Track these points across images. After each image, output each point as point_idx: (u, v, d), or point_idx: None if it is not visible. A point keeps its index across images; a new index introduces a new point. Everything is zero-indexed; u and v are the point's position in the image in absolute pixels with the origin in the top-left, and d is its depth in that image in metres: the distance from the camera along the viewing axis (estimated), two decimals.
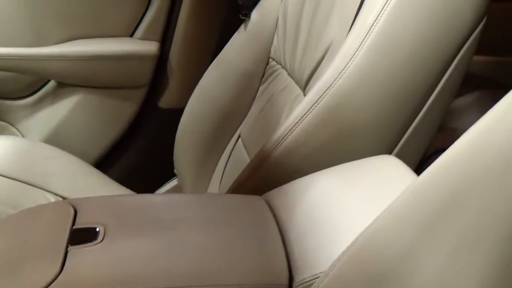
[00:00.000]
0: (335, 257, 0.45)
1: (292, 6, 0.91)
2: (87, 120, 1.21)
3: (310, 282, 0.51)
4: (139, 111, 1.22)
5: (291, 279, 0.52)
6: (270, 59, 0.97)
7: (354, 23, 0.69)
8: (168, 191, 1.19)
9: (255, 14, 0.99)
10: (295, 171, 0.68)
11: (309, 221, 0.56)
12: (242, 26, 1.01)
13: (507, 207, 0.34)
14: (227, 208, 0.60)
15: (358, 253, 0.43)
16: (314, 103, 0.68)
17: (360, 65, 0.66)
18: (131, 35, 1.17)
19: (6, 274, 0.52)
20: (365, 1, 0.69)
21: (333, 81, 0.67)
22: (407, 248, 0.40)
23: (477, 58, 1.11)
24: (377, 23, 0.65)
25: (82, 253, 0.52)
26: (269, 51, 0.97)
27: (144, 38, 1.17)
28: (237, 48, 1.01)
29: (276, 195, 0.64)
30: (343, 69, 0.67)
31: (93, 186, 1.03)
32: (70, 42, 1.15)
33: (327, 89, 0.67)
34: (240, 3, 1.02)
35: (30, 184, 0.98)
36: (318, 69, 0.78)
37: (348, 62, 0.66)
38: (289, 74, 0.89)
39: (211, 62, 1.06)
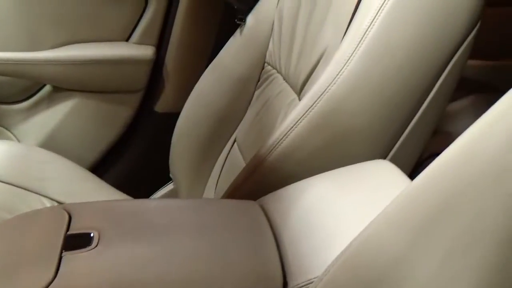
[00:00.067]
0: (329, 262, 0.46)
1: (287, 11, 0.91)
2: (83, 125, 1.21)
3: (304, 287, 0.51)
4: (135, 116, 1.22)
5: (285, 284, 0.52)
6: (266, 64, 0.97)
7: (349, 28, 0.69)
8: (164, 196, 1.18)
9: (250, 18, 1.00)
10: (290, 175, 0.69)
11: (304, 226, 0.56)
12: (238, 30, 1.02)
13: (501, 212, 0.34)
14: (222, 213, 0.60)
15: (352, 258, 0.43)
16: (309, 108, 0.68)
17: (354, 70, 0.66)
18: (127, 40, 1.17)
19: (0, 280, 0.52)
20: (359, 7, 0.69)
21: (328, 87, 0.67)
22: (401, 253, 0.40)
23: (471, 62, 1.12)
24: (371, 28, 0.66)
25: (76, 259, 0.52)
26: (265, 56, 0.97)
27: (140, 42, 1.17)
28: (233, 52, 1.02)
29: (271, 199, 0.64)
30: (337, 75, 0.67)
31: (88, 190, 1.03)
32: (65, 47, 1.15)
33: (321, 94, 0.68)
34: (235, 7, 1.02)
35: (26, 189, 0.97)
36: (313, 74, 0.78)
37: (343, 68, 0.67)
38: (284, 79, 0.90)
39: (206, 67, 1.06)
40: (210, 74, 1.05)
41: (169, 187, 1.19)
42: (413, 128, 0.71)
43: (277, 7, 0.95)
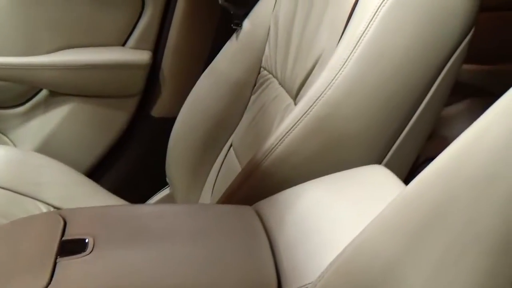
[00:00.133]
0: (323, 268, 0.46)
1: (283, 15, 0.91)
2: (79, 129, 1.21)
3: None
4: (131, 120, 1.22)
5: None
6: (262, 68, 0.97)
7: (344, 33, 0.70)
8: (160, 200, 1.18)
9: (246, 23, 1.00)
10: (286, 180, 0.69)
11: (299, 231, 0.56)
12: (234, 35, 1.02)
13: (494, 217, 0.34)
14: (217, 218, 0.60)
15: (345, 264, 0.43)
16: (304, 113, 0.69)
17: (349, 75, 0.67)
18: (123, 44, 1.17)
19: None
20: (354, 12, 0.69)
21: (323, 91, 0.68)
22: (394, 258, 0.40)
23: (467, 67, 1.12)
24: (366, 34, 0.66)
25: (71, 265, 0.52)
26: (261, 60, 0.97)
27: (136, 47, 1.17)
28: (229, 57, 1.02)
29: (266, 205, 0.64)
30: (332, 80, 0.67)
31: (85, 195, 1.03)
32: (62, 51, 1.15)
33: (317, 99, 0.68)
34: (232, 12, 1.02)
35: (22, 194, 0.97)
36: (309, 78, 0.78)
37: (338, 73, 0.67)
38: (280, 83, 0.90)
39: (203, 71, 1.06)
40: (206, 78, 1.05)
41: (165, 191, 1.19)
42: (408, 133, 0.71)
43: (273, 11, 0.95)
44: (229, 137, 1.02)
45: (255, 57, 0.98)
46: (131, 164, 1.24)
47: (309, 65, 0.79)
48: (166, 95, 1.20)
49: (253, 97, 0.98)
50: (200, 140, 1.04)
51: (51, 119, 1.20)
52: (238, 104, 1.00)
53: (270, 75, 0.94)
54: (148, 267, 0.52)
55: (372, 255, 0.42)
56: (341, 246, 0.45)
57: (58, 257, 0.53)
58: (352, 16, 0.70)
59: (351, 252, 0.43)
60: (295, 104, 0.81)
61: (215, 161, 1.04)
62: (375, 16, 0.66)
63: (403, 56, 0.67)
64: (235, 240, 0.56)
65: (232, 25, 1.01)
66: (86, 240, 0.55)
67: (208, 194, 1.03)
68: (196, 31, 1.17)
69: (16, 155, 1.07)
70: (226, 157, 1.02)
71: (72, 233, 0.56)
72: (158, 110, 1.21)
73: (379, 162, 0.71)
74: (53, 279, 0.51)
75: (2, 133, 1.24)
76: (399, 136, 0.71)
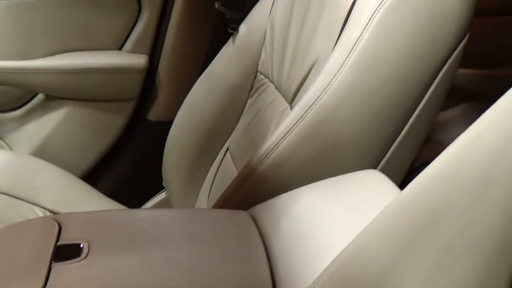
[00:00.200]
0: (318, 273, 0.46)
1: (279, 20, 0.91)
2: (75, 133, 1.20)
3: None
4: (127, 124, 1.22)
5: None
6: (258, 73, 0.97)
7: (339, 39, 0.70)
8: (156, 204, 1.18)
9: (243, 28, 1.00)
10: (281, 185, 0.69)
11: (294, 237, 0.56)
12: (230, 39, 1.02)
13: (489, 223, 0.34)
14: (212, 223, 0.60)
15: (340, 270, 0.43)
16: (300, 118, 0.69)
17: (344, 80, 0.67)
18: (120, 48, 1.17)
19: None
20: (350, 17, 0.70)
21: (319, 96, 0.68)
22: (389, 264, 0.40)
23: (463, 71, 1.13)
24: (362, 39, 0.66)
25: (65, 270, 0.52)
26: (257, 65, 0.98)
27: (132, 51, 1.17)
28: (226, 61, 1.02)
29: (261, 210, 0.64)
30: (328, 85, 0.67)
31: (81, 199, 1.03)
32: (58, 55, 1.15)
33: (312, 104, 0.68)
34: (228, 16, 1.03)
35: (18, 198, 0.97)
36: (305, 83, 0.78)
37: (333, 78, 0.67)
38: (276, 88, 0.90)
39: (199, 75, 1.07)
40: (203, 82, 1.05)
41: (162, 195, 1.19)
42: (404, 138, 0.71)
43: (269, 16, 0.96)
44: (226, 141, 1.02)
45: (251, 61, 0.98)
46: (127, 168, 1.24)
47: (305, 70, 0.79)
48: (162, 99, 1.20)
49: (249, 101, 0.98)
50: (196, 144, 1.04)
51: (48, 123, 1.19)
52: (234, 108, 1.00)
53: (267, 80, 0.94)
54: (143, 272, 0.52)
55: (367, 260, 0.41)
56: (336, 251, 0.45)
57: (53, 262, 0.53)
58: (348, 21, 0.70)
59: (346, 258, 0.43)
60: (291, 108, 0.81)
61: (211, 165, 1.04)
62: (370, 21, 0.66)
63: (398, 61, 0.67)
64: (230, 245, 0.56)
65: (228, 29, 1.01)
66: (81, 245, 0.55)
67: (204, 198, 1.03)
68: (192, 35, 1.17)
69: (12, 159, 1.07)
70: (223, 161, 1.02)
71: (67, 238, 0.56)
72: (154, 113, 1.21)
73: (374, 167, 0.71)
74: (48, 284, 0.50)
75: None
76: (394, 141, 0.71)
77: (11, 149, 1.23)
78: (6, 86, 1.17)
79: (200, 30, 1.18)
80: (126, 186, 1.23)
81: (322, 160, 0.70)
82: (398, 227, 0.40)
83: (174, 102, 1.13)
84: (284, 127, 0.70)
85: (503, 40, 1.16)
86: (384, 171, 0.70)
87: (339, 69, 0.67)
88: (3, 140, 1.24)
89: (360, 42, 0.66)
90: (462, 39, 0.70)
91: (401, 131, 0.71)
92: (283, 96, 0.86)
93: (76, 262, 0.53)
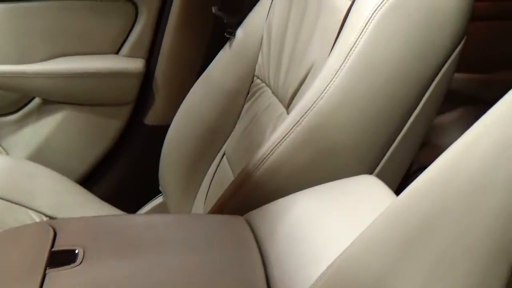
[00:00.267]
0: (314, 279, 0.45)
1: (276, 24, 0.91)
2: (72, 137, 1.20)
3: None
4: (124, 128, 1.22)
5: None
6: (255, 77, 0.97)
7: (335, 44, 0.70)
8: (153, 208, 1.18)
9: (240, 32, 1.00)
10: (278, 190, 0.69)
11: (290, 242, 0.56)
12: (227, 44, 1.02)
13: (484, 230, 0.34)
14: (208, 229, 0.60)
15: (335, 276, 0.43)
16: (296, 123, 0.69)
17: (341, 85, 0.67)
18: (117, 52, 1.17)
19: None
20: (346, 22, 0.70)
21: (315, 102, 0.68)
22: (384, 270, 0.40)
23: (460, 75, 1.13)
24: (358, 44, 0.66)
25: (60, 276, 0.52)
26: (254, 69, 0.98)
27: (130, 55, 1.17)
28: (222, 65, 1.02)
29: (257, 215, 0.64)
30: (324, 90, 0.67)
31: (77, 203, 1.03)
32: (55, 60, 1.15)
33: (308, 109, 0.68)
34: (225, 21, 1.03)
35: (14, 202, 0.97)
36: (301, 88, 0.78)
37: (329, 83, 0.67)
38: (273, 93, 0.90)
39: (196, 80, 1.07)
40: (199, 87, 1.05)
41: (158, 200, 1.19)
42: (400, 143, 0.71)
43: (266, 20, 0.96)
44: (222, 145, 1.02)
45: (248, 65, 0.98)
46: (124, 172, 1.24)
47: (301, 75, 0.79)
48: (159, 103, 1.20)
49: (246, 106, 0.98)
50: (193, 149, 1.04)
51: (44, 127, 1.19)
52: (231, 113, 1.00)
53: (263, 84, 0.94)
54: (138, 278, 0.52)
55: (362, 267, 0.41)
56: (331, 257, 0.45)
57: (48, 268, 0.53)
58: (344, 26, 0.70)
59: (342, 263, 0.43)
60: (288, 113, 0.81)
61: (208, 169, 1.04)
62: (366, 26, 0.66)
63: (394, 66, 0.67)
64: (225, 250, 0.56)
65: (225, 33, 1.01)
66: (76, 251, 0.54)
67: (201, 203, 1.03)
68: (189, 39, 1.17)
69: (8, 163, 1.07)
70: (219, 166, 1.02)
71: (62, 244, 0.56)
72: (151, 118, 1.21)
73: (371, 171, 0.71)
74: None
75: None
76: (391, 145, 0.71)
77: (7, 153, 1.22)
78: (3, 90, 1.17)
79: (197, 34, 1.18)
80: (123, 191, 1.23)
81: (318, 165, 0.70)
82: (394, 233, 0.40)
83: (171, 106, 1.13)
84: (280, 132, 0.70)
85: (500, 45, 1.16)
86: (381, 175, 0.70)
87: (336, 74, 0.67)
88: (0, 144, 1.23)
89: (356, 47, 0.66)
90: (459, 43, 0.71)
91: (397, 136, 0.71)
92: (280, 100, 0.86)
93: (71, 268, 0.53)
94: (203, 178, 1.04)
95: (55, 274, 0.52)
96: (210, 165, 1.04)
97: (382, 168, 0.72)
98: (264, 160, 0.71)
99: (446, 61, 0.70)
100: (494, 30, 1.15)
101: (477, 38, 1.01)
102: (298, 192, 0.64)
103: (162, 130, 1.10)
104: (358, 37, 0.66)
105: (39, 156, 1.18)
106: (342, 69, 0.67)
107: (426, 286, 0.37)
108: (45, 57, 1.14)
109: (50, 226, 0.59)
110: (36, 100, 1.20)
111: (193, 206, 1.05)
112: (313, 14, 0.80)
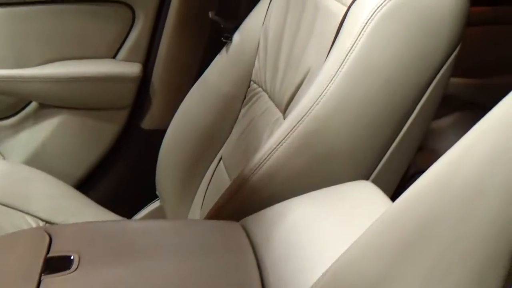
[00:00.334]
0: (310, 285, 0.45)
1: (273, 29, 0.91)
2: (69, 142, 1.20)
3: None
4: (121, 132, 1.22)
5: None
6: (252, 82, 0.97)
7: (331, 49, 0.70)
8: (150, 213, 1.18)
9: (237, 37, 1.00)
10: (274, 195, 0.68)
11: (285, 248, 0.56)
12: (224, 48, 1.02)
13: (479, 237, 0.34)
14: (204, 235, 0.60)
15: (331, 282, 0.43)
16: (292, 128, 0.69)
17: (337, 91, 0.67)
18: (114, 57, 1.17)
19: None
20: (342, 27, 0.70)
21: (311, 107, 0.68)
22: (380, 276, 0.40)
23: (457, 80, 1.13)
24: (354, 49, 0.66)
25: (55, 282, 0.52)
26: (251, 74, 0.98)
27: (126, 59, 1.17)
28: (219, 70, 1.02)
29: (254, 220, 0.64)
30: (320, 95, 0.67)
31: (74, 208, 1.03)
32: (52, 64, 1.15)
33: (304, 115, 0.68)
34: (222, 26, 1.03)
35: (10, 207, 0.97)
36: (297, 93, 0.78)
37: (325, 88, 0.67)
38: (269, 97, 0.90)
39: (193, 84, 1.07)
40: (196, 91, 1.05)
41: (155, 204, 1.19)
42: (396, 148, 0.71)
43: (263, 25, 0.96)
44: (219, 150, 1.02)
45: (245, 70, 0.98)
46: (121, 177, 1.24)
47: (298, 80, 0.79)
48: (156, 107, 1.20)
49: (243, 111, 0.98)
50: (190, 153, 1.04)
51: (41, 131, 1.19)
52: (228, 117, 1.00)
53: (260, 89, 0.94)
54: (133, 284, 0.52)
55: (359, 272, 0.41)
56: (327, 263, 0.44)
57: (43, 274, 0.53)
58: (340, 32, 0.70)
59: (338, 269, 0.43)
60: (284, 118, 0.81)
61: (204, 174, 1.04)
62: (362, 31, 0.66)
63: (390, 72, 0.67)
64: (221, 256, 0.56)
65: (222, 38, 1.01)
66: (72, 257, 0.54)
67: (198, 207, 1.03)
68: (186, 44, 1.17)
69: (5, 167, 1.07)
70: (216, 170, 1.01)
71: (57, 250, 0.56)
72: (148, 122, 1.21)
73: (367, 177, 0.71)
74: None
75: None
76: (387, 151, 0.71)
77: (4, 157, 1.22)
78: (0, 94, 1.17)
79: (194, 39, 1.18)
80: (120, 195, 1.23)
81: (315, 170, 0.70)
82: (390, 238, 0.40)
83: (167, 110, 1.13)
84: (277, 138, 0.70)
85: (496, 50, 1.16)
86: (377, 180, 0.70)
87: (332, 80, 0.67)
88: None
89: (352, 52, 0.66)
90: (454, 49, 0.71)
91: (393, 141, 0.71)
92: (276, 105, 0.86)
93: (66, 274, 0.52)
94: (200, 182, 1.04)
95: (50, 280, 0.52)
96: (207, 169, 1.04)
97: (379, 173, 0.72)
98: (260, 165, 0.71)
99: (442, 66, 0.70)
100: (490, 35, 1.15)
101: (473, 43, 1.02)
102: (294, 198, 0.64)
103: (159, 134, 1.10)
104: (354, 43, 0.66)
105: (36, 160, 1.18)
106: (338, 75, 0.67)
107: None
108: (42, 61, 1.14)
109: (46, 232, 0.59)
110: (33, 104, 1.19)
111: (190, 211, 1.05)
112: (309, 19, 0.80)
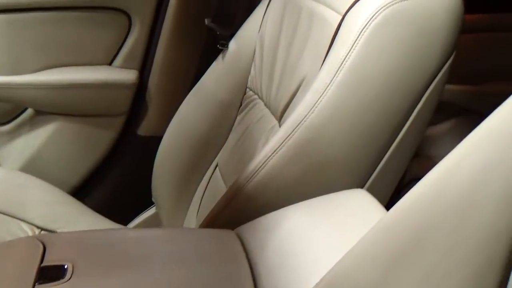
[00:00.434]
0: None
1: (269, 37, 0.92)
2: (65, 148, 1.20)
3: None
4: (117, 139, 1.22)
5: None
6: (248, 89, 0.98)
7: (326, 58, 0.70)
8: (145, 220, 1.18)
9: (233, 44, 1.00)
10: (269, 203, 0.68)
11: (280, 257, 0.56)
12: (220, 55, 1.02)
13: (472, 247, 0.34)
14: (198, 243, 0.60)
15: None
16: (287, 137, 0.69)
17: (332, 99, 0.67)
18: (110, 64, 1.17)
19: None
20: (337, 36, 0.70)
21: (306, 116, 0.68)
22: (374, 286, 0.40)
23: (453, 87, 1.14)
24: (349, 58, 0.66)
25: None
26: (247, 81, 0.98)
27: (123, 66, 1.17)
28: (215, 77, 1.02)
29: (248, 228, 0.64)
30: (315, 104, 0.67)
31: (69, 215, 1.02)
32: (48, 70, 1.15)
33: (299, 123, 0.68)
34: (218, 33, 1.03)
35: (5, 214, 0.96)
36: (293, 101, 0.78)
37: (320, 97, 0.67)
38: (265, 105, 0.90)
39: (189, 91, 1.07)
40: (192, 98, 1.05)
41: (151, 211, 1.18)
42: (391, 156, 0.71)
43: (259, 32, 0.96)
44: (215, 157, 1.02)
45: (241, 77, 0.98)
46: (116, 183, 1.24)
47: (293, 87, 0.79)
48: (152, 114, 1.20)
49: (238, 118, 0.98)
50: (186, 160, 1.04)
51: (37, 138, 1.19)
52: (224, 124, 1.00)
53: (256, 96, 0.94)
54: None
55: (353, 282, 0.41)
56: (321, 272, 0.44)
57: (37, 284, 0.52)
58: (335, 41, 0.70)
59: (332, 279, 0.43)
60: (280, 126, 0.81)
61: (200, 181, 1.03)
62: (357, 40, 0.66)
63: (385, 81, 0.67)
64: (215, 265, 0.56)
65: (218, 45, 1.02)
66: (65, 266, 0.54)
67: (193, 214, 1.03)
68: (182, 51, 1.17)
69: (0, 174, 1.06)
70: (212, 177, 1.01)
71: (51, 259, 0.56)
72: (144, 129, 1.21)
73: (362, 185, 0.71)
74: None
75: None
76: (381, 159, 0.71)
77: None
78: None
79: (190, 46, 1.18)
80: (115, 202, 1.22)
81: (309, 179, 0.70)
82: (384, 248, 0.40)
83: (164, 117, 1.13)
84: (272, 146, 0.70)
85: (491, 57, 1.17)
86: (372, 188, 0.70)
87: (326, 88, 0.67)
88: None
89: (347, 61, 0.66)
90: (449, 56, 0.71)
91: (388, 149, 0.71)
92: (272, 113, 0.86)
93: (60, 284, 0.52)
94: (195, 189, 1.04)
95: None
96: (203, 176, 1.03)
97: (374, 181, 0.72)
98: (255, 173, 0.71)
99: (437, 74, 0.71)
100: (485, 42, 1.16)
101: (468, 50, 1.02)
102: (289, 206, 0.64)
103: (155, 141, 1.10)
104: (349, 52, 0.66)
105: (32, 167, 1.17)
106: (333, 83, 0.67)
107: None
108: (38, 68, 1.14)
109: (40, 240, 0.58)
110: (29, 111, 1.19)
111: (185, 218, 1.05)
112: (305, 28, 0.80)
